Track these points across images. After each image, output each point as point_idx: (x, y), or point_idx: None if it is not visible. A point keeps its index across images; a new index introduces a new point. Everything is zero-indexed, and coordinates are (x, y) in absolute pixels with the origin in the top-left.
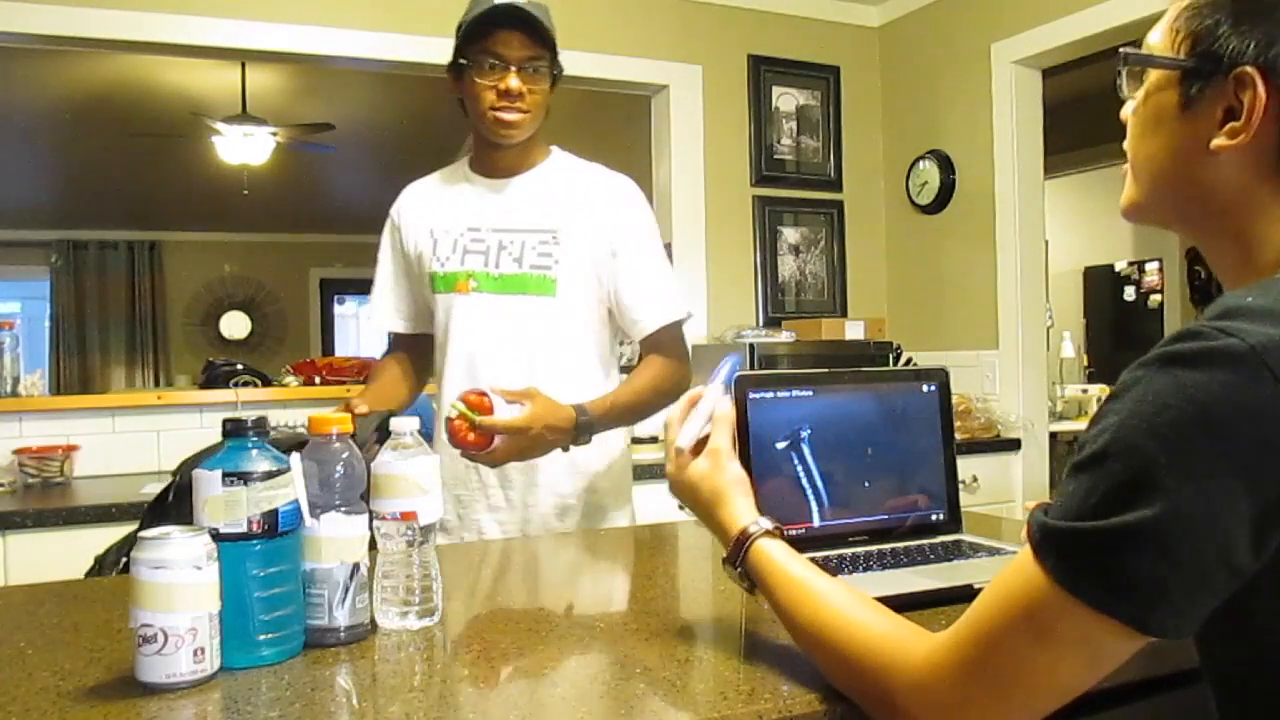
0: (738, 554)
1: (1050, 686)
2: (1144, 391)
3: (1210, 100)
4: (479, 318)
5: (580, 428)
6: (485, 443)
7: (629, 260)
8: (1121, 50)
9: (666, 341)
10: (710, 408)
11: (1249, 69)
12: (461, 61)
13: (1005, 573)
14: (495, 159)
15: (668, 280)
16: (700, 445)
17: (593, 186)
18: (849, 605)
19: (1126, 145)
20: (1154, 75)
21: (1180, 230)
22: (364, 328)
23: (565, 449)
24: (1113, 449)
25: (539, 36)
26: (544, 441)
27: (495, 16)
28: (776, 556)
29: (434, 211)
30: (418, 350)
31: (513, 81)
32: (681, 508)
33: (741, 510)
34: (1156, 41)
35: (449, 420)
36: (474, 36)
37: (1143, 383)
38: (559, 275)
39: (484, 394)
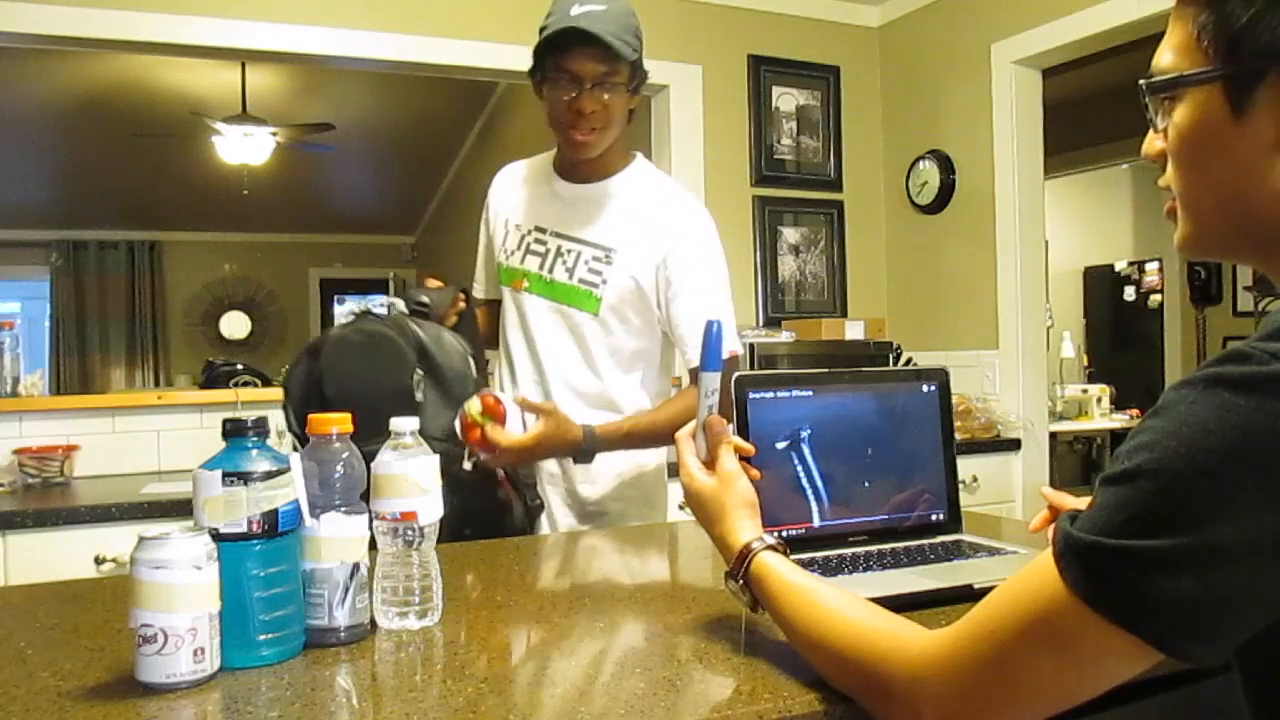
0: (740, 567)
1: (1050, 694)
2: (1186, 413)
3: (1270, 98)
4: (528, 317)
5: (584, 451)
6: (489, 446)
7: (683, 290)
8: (1143, 82)
9: None
10: (702, 420)
11: None
12: (536, 75)
13: (1021, 576)
14: (573, 164)
15: (719, 314)
16: (711, 463)
17: (661, 208)
18: (846, 605)
19: (1169, 181)
20: (1189, 96)
21: (1247, 255)
22: None
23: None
24: (1148, 468)
25: (613, 53)
26: (544, 455)
27: (568, 35)
28: (777, 567)
29: (513, 202)
30: (495, 312)
31: (585, 102)
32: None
33: (747, 528)
34: (1170, 62)
35: (462, 413)
36: (551, 49)
37: (1185, 403)
38: (604, 295)
39: (499, 400)
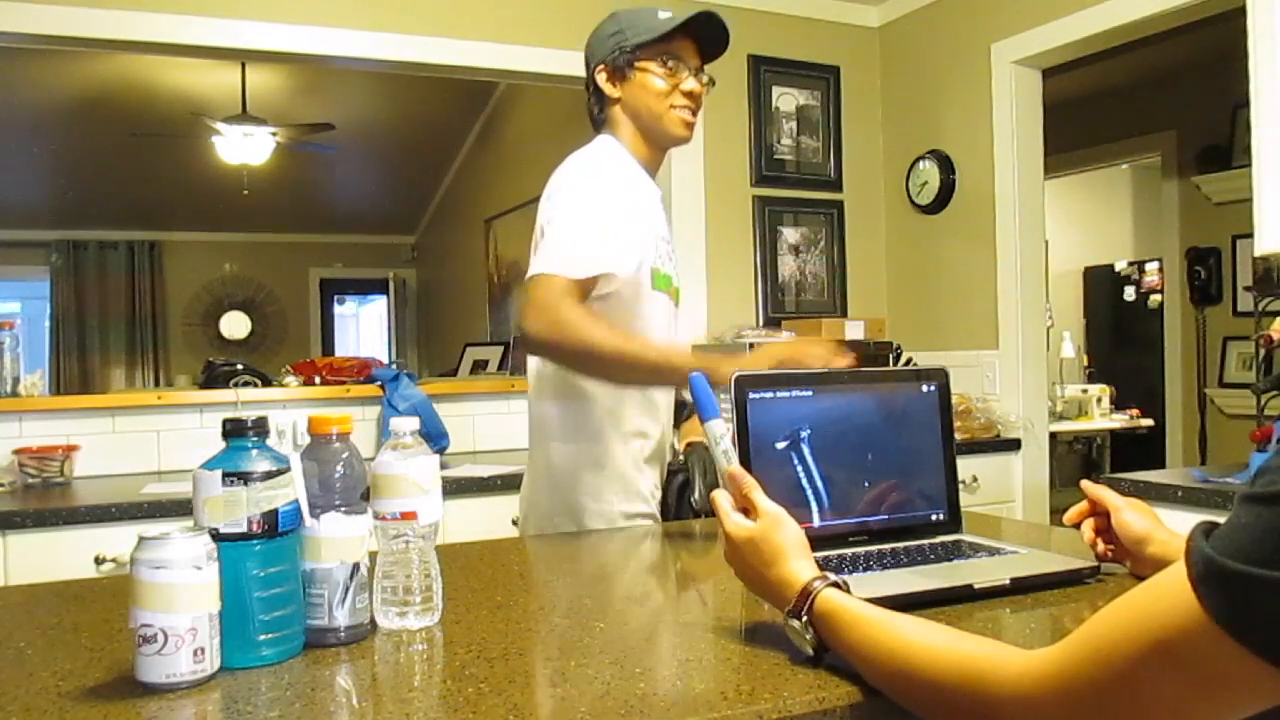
0: (804, 604)
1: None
2: None
3: None
4: (670, 322)
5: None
6: None
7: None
8: None
9: None
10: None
11: None
12: (638, 63)
13: (1143, 595)
14: (658, 161)
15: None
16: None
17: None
18: (929, 631)
19: None
20: None
21: None
22: (363, 328)
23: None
24: None
25: (722, 44)
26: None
27: (700, 21)
28: (845, 603)
29: (642, 205)
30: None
31: (691, 84)
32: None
33: (805, 567)
34: None
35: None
36: (660, 39)
37: None
38: (678, 283)
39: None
